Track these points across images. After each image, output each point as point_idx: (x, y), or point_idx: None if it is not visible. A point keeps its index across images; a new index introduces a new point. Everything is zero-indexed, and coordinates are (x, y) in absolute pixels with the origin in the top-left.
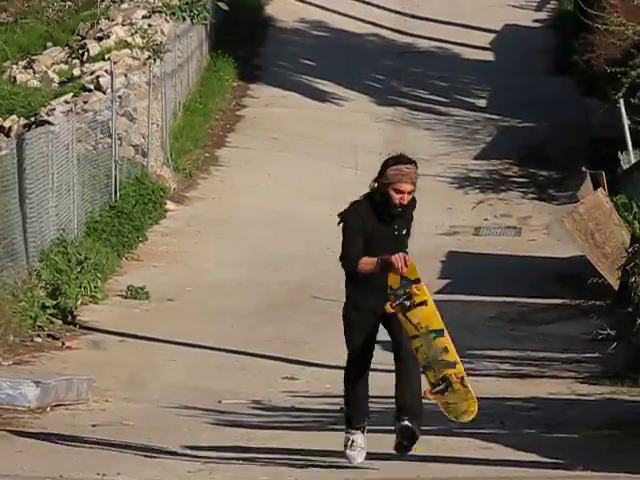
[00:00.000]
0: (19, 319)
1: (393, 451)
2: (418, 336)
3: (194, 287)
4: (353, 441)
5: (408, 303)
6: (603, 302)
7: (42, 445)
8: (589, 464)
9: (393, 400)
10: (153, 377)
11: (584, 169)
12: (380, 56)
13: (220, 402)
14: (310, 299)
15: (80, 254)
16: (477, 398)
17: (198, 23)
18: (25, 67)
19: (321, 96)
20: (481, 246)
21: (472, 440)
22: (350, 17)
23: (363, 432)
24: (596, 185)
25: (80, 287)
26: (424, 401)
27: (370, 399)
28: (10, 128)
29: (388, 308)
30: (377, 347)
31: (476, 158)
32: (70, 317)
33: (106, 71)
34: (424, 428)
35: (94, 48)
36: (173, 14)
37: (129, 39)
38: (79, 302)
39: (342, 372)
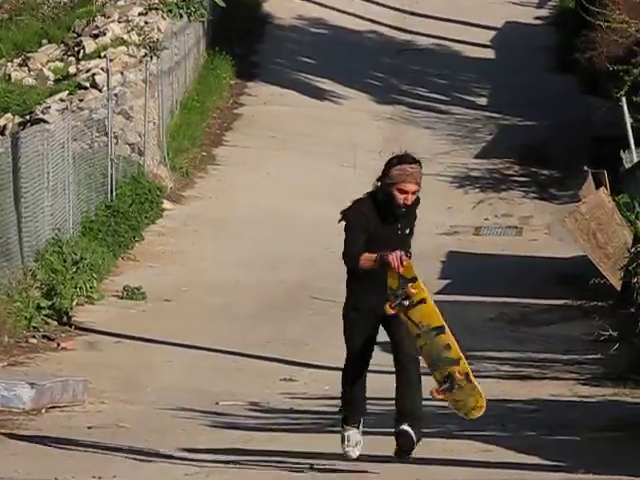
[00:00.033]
0: (14, 320)
1: (393, 455)
2: (421, 335)
3: (191, 287)
4: (348, 437)
5: (407, 303)
6: (605, 303)
7: (37, 447)
8: (591, 467)
9: (392, 402)
10: (150, 378)
11: (586, 168)
12: (379, 53)
13: (217, 404)
14: (309, 299)
15: (76, 254)
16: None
17: (195, 20)
18: (20, 65)
19: (320, 94)
20: (482, 246)
21: (472, 442)
22: (349, 14)
23: (358, 428)
24: (598, 184)
25: (76, 287)
26: (426, 402)
27: (369, 401)
28: (5, 126)
29: (388, 310)
30: (376, 348)
31: (476, 157)
32: (65, 318)
33: (102, 69)
34: (424, 430)
35: (90, 45)
36: (170, 11)
37: (125, 36)
38: (74, 303)
39: (341, 373)
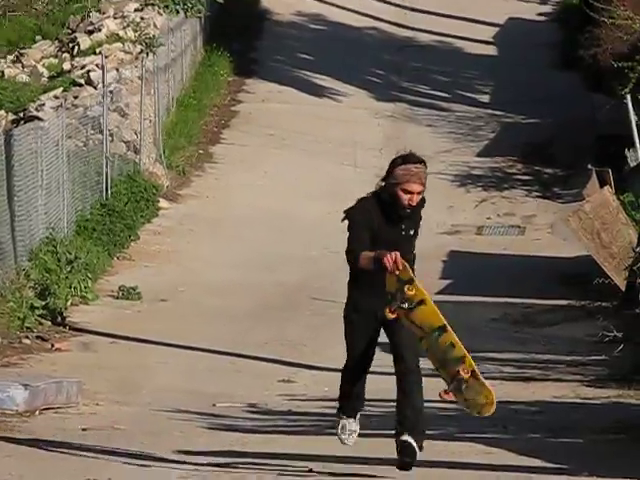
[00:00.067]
0: (7, 320)
1: (396, 469)
2: (424, 337)
3: (187, 287)
4: (344, 426)
5: (406, 305)
6: (609, 303)
7: (30, 450)
8: (594, 469)
9: (392, 403)
10: (145, 380)
11: (590, 167)
12: (379, 50)
13: (214, 405)
14: (307, 300)
15: (70, 253)
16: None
17: (192, 16)
18: (14, 61)
19: (319, 91)
20: (484, 245)
21: (474, 445)
22: (348, 10)
23: (355, 418)
24: (602, 183)
25: (70, 287)
26: (427, 404)
27: (370, 402)
28: None
29: (388, 314)
30: (377, 349)
31: (479, 155)
32: (60, 318)
33: (97, 65)
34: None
35: (85, 42)
36: (166, 7)
37: (121, 32)
38: (69, 303)
39: (340, 374)
